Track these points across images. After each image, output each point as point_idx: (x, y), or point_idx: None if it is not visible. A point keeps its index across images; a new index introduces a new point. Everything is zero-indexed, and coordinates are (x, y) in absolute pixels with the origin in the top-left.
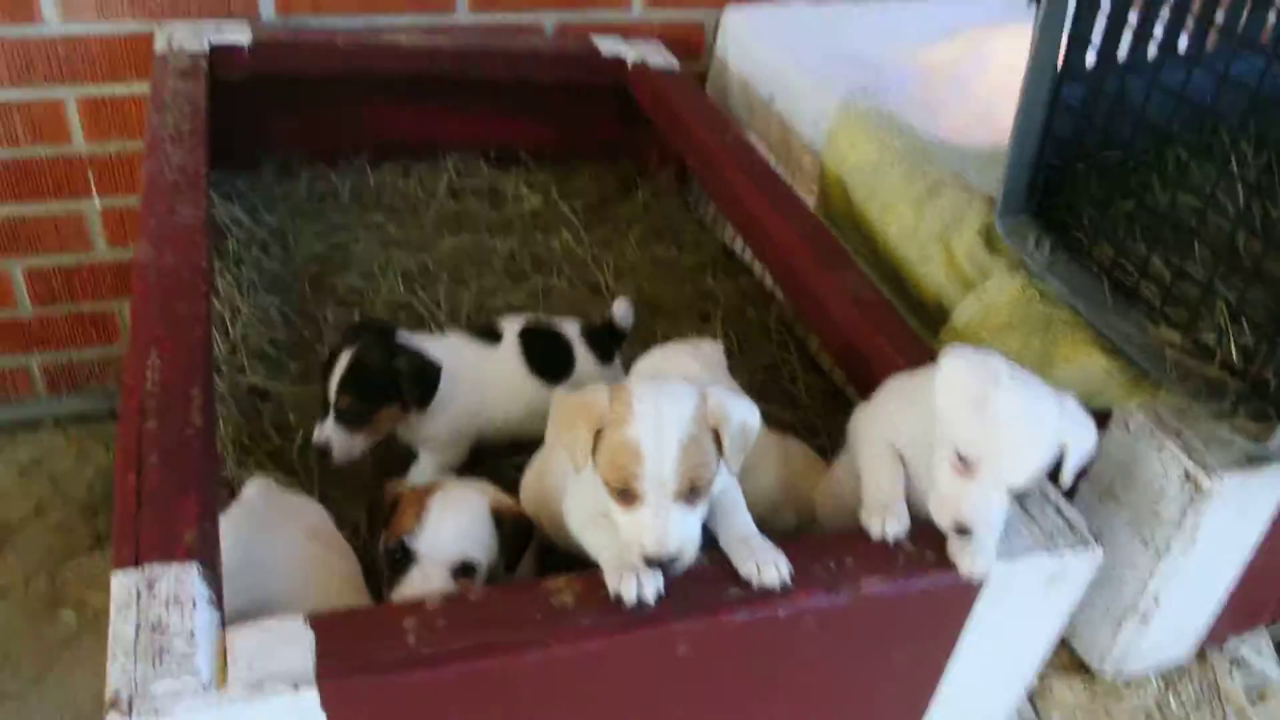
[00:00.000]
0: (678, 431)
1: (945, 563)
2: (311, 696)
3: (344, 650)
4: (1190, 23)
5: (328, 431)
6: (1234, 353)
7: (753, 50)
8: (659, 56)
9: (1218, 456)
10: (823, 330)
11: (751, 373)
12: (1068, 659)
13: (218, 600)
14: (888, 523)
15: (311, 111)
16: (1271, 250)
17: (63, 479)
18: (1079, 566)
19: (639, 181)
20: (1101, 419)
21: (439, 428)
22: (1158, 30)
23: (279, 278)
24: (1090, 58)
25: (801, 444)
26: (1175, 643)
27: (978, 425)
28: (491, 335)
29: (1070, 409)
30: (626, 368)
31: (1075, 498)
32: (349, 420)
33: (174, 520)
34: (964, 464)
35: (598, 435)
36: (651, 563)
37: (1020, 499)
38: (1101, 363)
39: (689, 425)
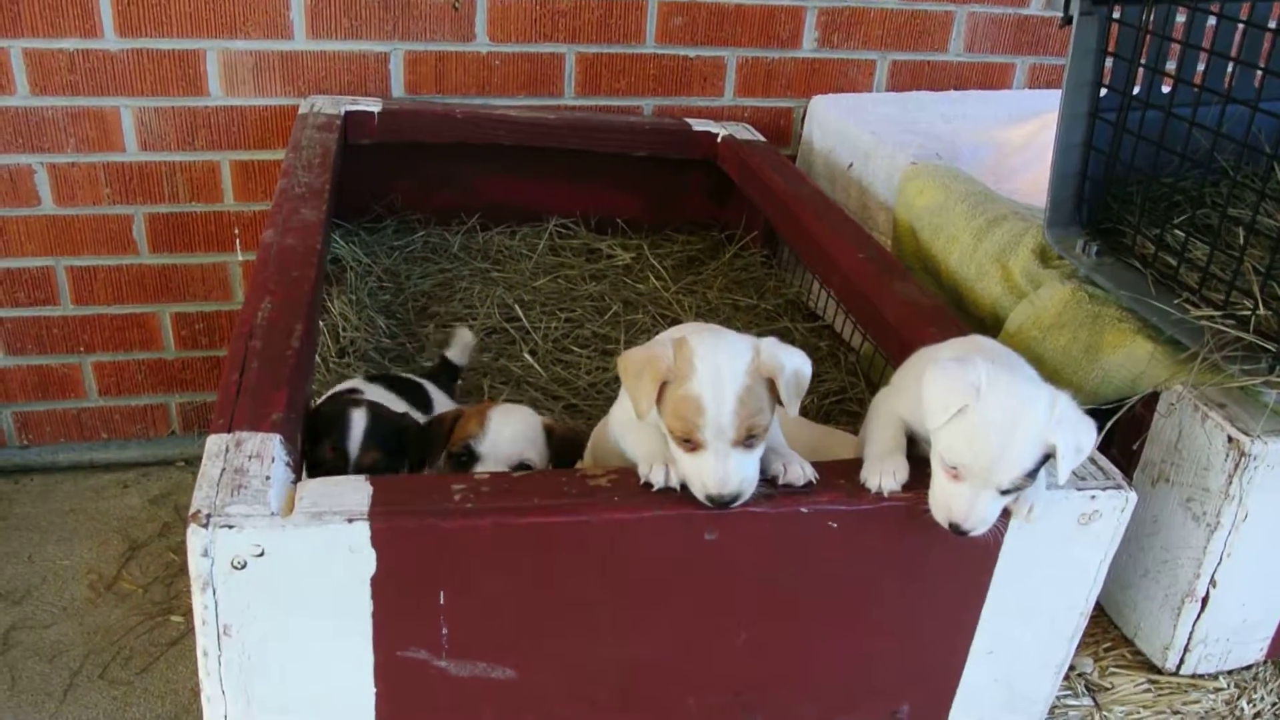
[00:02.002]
0: (735, 386)
1: None
2: (363, 529)
3: (397, 500)
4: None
5: None
6: (1268, 317)
7: (835, 128)
8: (747, 134)
9: (1261, 423)
10: (881, 335)
11: (822, 396)
12: (1131, 657)
13: (294, 467)
14: (884, 477)
15: (431, 177)
16: None
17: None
18: (1111, 507)
19: (726, 248)
20: (1149, 402)
21: None
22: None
23: (389, 305)
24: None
25: (844, 434)
26: (1244, 640)
27: (958, 436)
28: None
29: (1061, 410)
30: None
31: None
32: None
33: (266, 405)
34: (951, 469)
35: (662, 387)
36: (714, 502)
37: None
38: (1146, 347)
39: (745, 379)
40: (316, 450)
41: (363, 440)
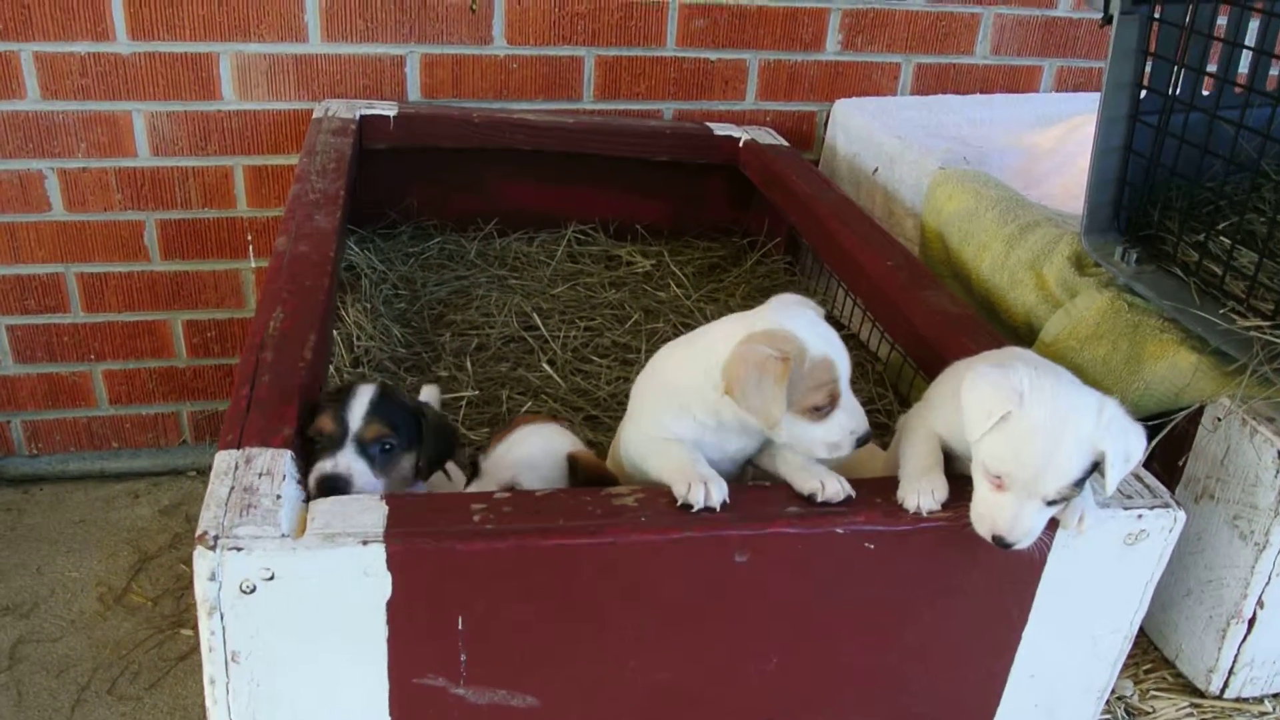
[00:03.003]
0: (835, 333)
1: None
2: (379, 552)
3: (413, 520)
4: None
5: (349, 461)
6: None
7: (860, 133)
8: (769, 138)
9: None
10: (911, 346)
11: None
12: (1173, 680)
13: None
14: (922, 497)
15: (447, 182)
16: None
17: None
18: (1159, 527)
19: (748, 254)
20: (1192, 415)
21: None
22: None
23: (404, 313)
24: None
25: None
26: None
27: (1002, 443)
28: None
29: (1110, 417)
30: None
31: None
32: (376, 454)
33: (276, 420)
34: (995, 479)
35: None
36: (864, 439)
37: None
38: (1190, 359)
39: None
40: (313, 424)
41: (368, 412)
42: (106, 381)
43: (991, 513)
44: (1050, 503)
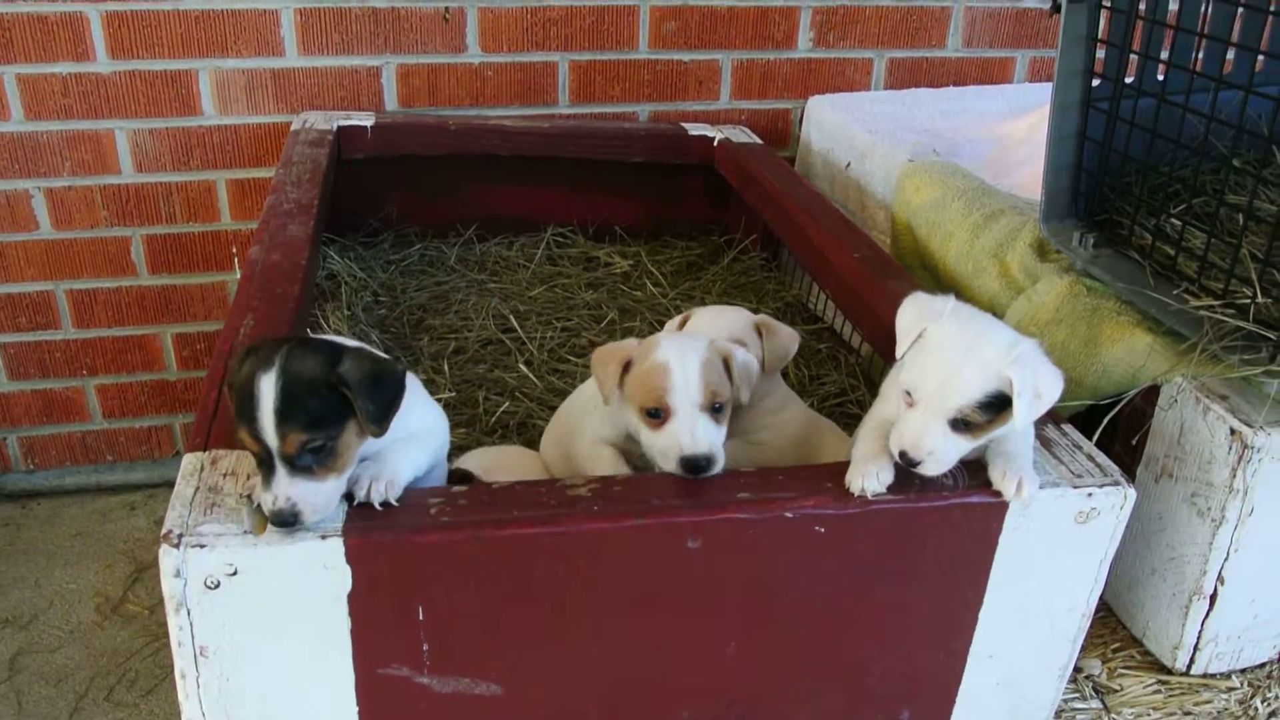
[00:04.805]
0: (697, 354)
1: (963, 490)
2: (337, 546)
3: (371, 513)
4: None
5: (285, 490)
6: (1268, 305)
7: (833, 128)
8: (743, 136)
9: (1264, 414)
10: (876, 336)
11: (823, 399)
12: (1140, 658)
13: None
14: (866, 480)
15: (427, 189)
16: None
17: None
18: (1109, 505)
19: (725, 252)
20: (1150, 396)
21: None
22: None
23: (384, 319)
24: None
25: (834, 426)
26: (1256, 638)
27: (914, 358)
28: None
29: (1023, 351)
30: None
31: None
32: (309, 463)
33: None
34: (909, 396)
35: (626, 368)
36: (688, 465)
37: (1048, 446)
38: (1145, 340)
39: (705, 352)
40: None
41: (278, 421)
42: (99, 396)
43: (899, 428)
44: (955, 425)
